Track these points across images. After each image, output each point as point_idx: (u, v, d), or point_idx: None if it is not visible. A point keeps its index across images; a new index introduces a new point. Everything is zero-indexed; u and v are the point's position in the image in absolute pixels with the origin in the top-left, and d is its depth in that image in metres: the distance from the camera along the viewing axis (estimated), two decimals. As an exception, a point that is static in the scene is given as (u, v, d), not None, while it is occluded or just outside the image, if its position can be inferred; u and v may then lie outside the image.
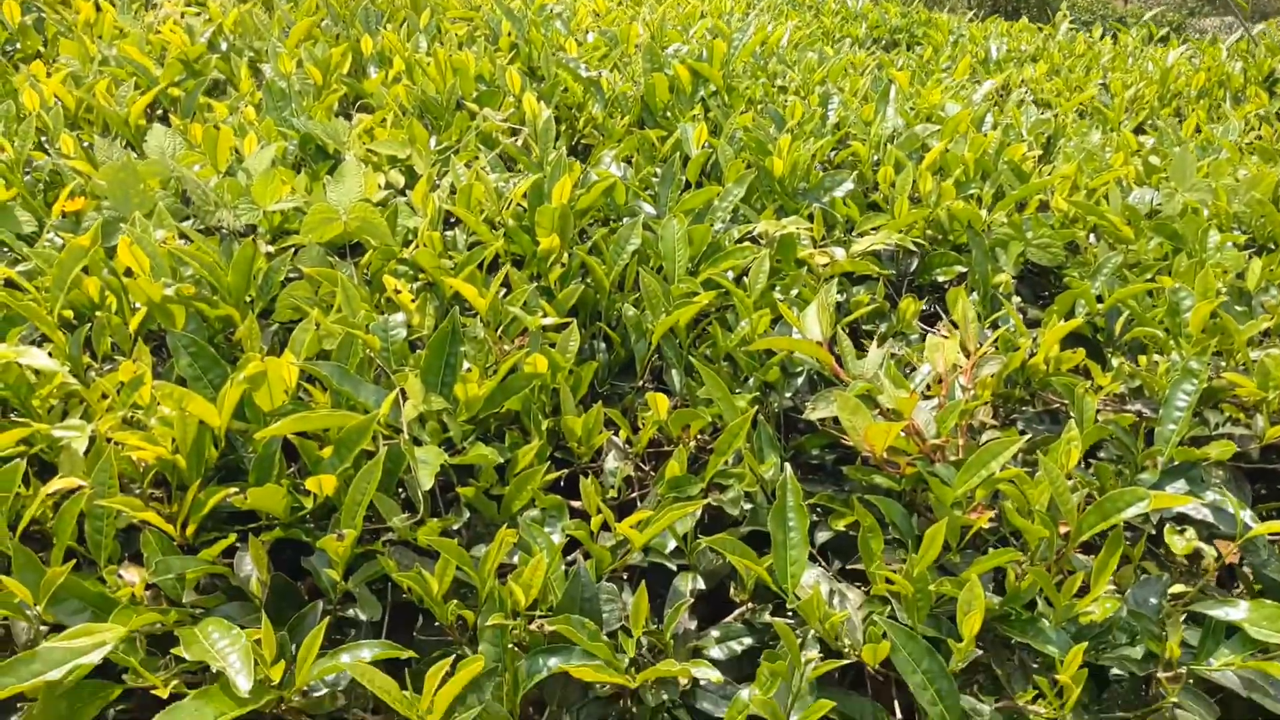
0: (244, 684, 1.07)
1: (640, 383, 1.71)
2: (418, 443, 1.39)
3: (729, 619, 1.37)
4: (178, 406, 1.32)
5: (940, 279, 2.12)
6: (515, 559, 1.31)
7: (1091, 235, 2.29)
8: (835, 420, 1.56)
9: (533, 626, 1.23)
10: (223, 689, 1.09)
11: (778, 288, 1.80)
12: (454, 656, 1.11)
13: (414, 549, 1.32)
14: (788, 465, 1.32)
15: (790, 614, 1.35)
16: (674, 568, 1.37)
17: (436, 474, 1.24)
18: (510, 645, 1.19)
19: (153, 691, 1.09)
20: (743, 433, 1.40)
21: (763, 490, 1.47)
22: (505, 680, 1.17)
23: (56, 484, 1.35)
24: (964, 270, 2.08)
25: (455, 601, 1.23)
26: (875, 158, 2.49)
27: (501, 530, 1.21)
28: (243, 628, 1.23)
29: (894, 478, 1.44)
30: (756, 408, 1.50)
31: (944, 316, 1.99)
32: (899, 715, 1.36)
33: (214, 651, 1.11)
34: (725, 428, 1.47)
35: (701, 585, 1.37)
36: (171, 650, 1.16)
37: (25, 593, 1.16)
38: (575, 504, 1.51)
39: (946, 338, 1.55)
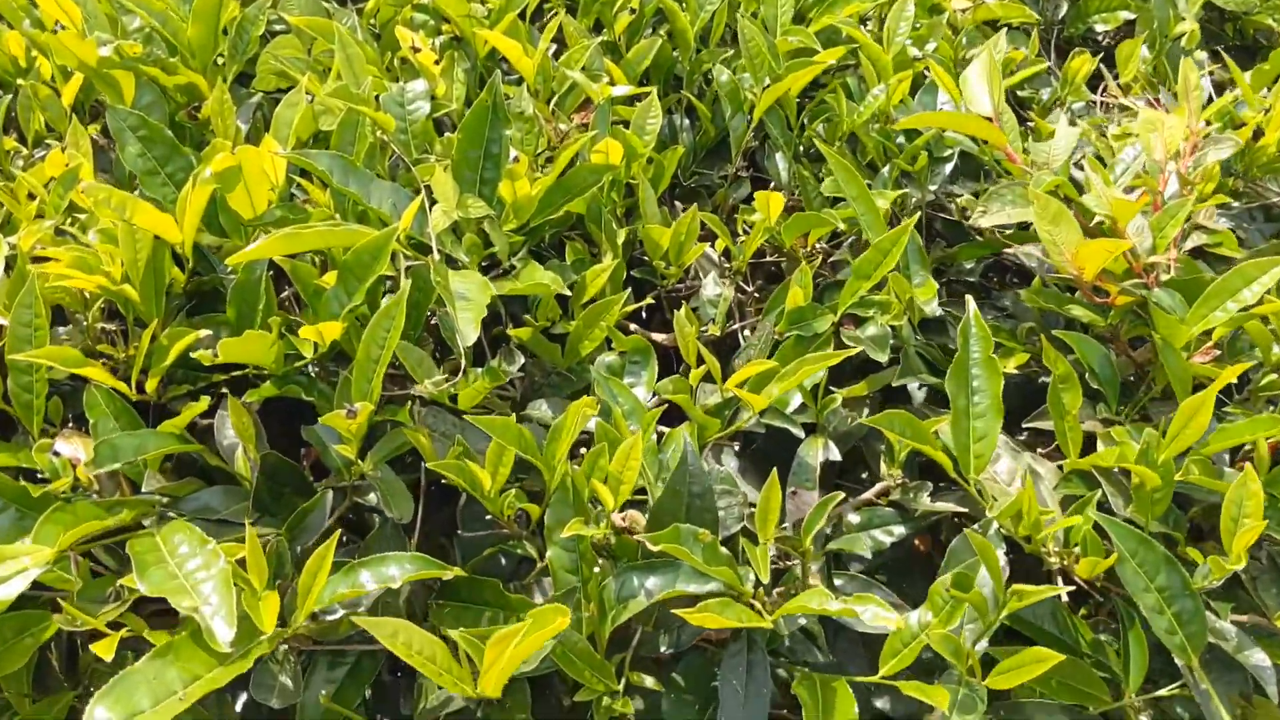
0: (224, 633, 0.74)
1: (734, 169, 1.32)
2: (452, 263, 1.02)
3: (869, 496, 1.03)
4: (121, 217, 0.95)
5: (1099, 28, 1.67)
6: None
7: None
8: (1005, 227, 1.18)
9: (620, 519, 0.90)
10: (193, 638, 0.77)
11: (911, 42, 1.38)
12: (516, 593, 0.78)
13: (452, 411, 0.98)
14: (970, 300, 0.95)
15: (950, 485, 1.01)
16: (798, 432, 1.03)
17: (483, 315, 0.88)
18: (591, 554, 0.86)
19: (92, 648, 0.76)
20: (898, 249, 1.02)
21: (910, 324, 1.10)
22: (588, 609, 0.85)
23: (-36, 323, 1.00)
24: (1131, 17, 1.63)
25: (515, 491, 0.89)
26: None
27: (580, 403, 0.86)
28: (225, 525, 0.92)
29: (1098, 309, 1.07)
30: (918, 214, 1.11)
31: (1110, 78, 1.55)
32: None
33: (181, 579, 0.78)
34: (859, 236, 1.09)
35: (835, 455, 1.02)
36: (121, 580, 0.83)
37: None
38: (657, 337, 1.15)
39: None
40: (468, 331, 0.85)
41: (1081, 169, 1.14)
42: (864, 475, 1.09)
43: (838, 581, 0.97)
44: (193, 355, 0.91)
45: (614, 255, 1.07)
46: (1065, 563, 0.91)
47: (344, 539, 0.99)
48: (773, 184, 1.30)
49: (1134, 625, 0.92)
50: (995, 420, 0.91)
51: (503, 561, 0.99)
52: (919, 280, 1.09)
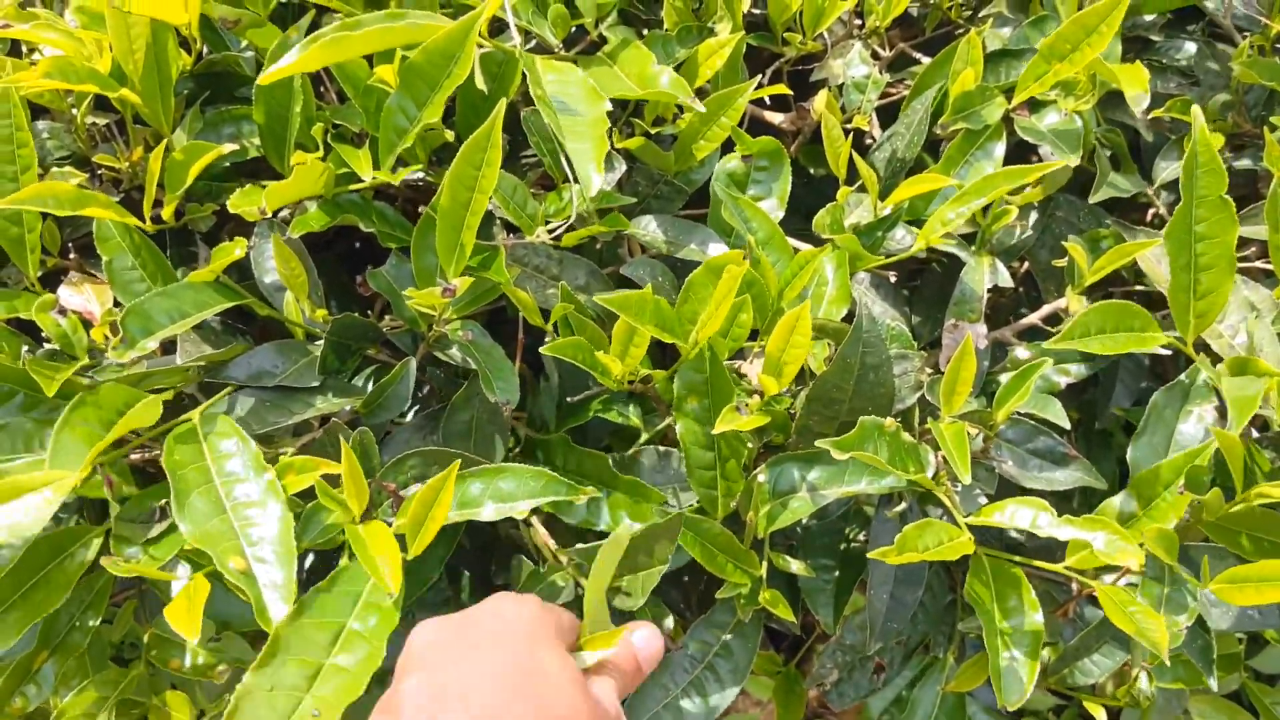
0: (277, 610, 0.58)
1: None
2: (541, 51, 0.80)
3: (1035, 320, 0.87)
4: (110, 1, 0.72)
5: None
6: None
7: None
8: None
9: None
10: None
11: None
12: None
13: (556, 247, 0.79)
14: (1197, 113, 0.74)
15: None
16: (967, 257, 0.84)
17: (605, 150, 0.67)
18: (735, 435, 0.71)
19: (168, 618, 0.61)
20: (1111, 26, 0.79)
21: (1095, 109, 0.89)
22: (726, 493, 0.70)
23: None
24: None
25: (639, 359, 0.73)
26: None
27: (731, 264, 0.66)
28: (286, 393, 0.75)
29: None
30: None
31: None
32: None
33: (230, 515, 0.61)
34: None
35: (1005, 279, 0.85)
36: (151, 497, 0.67)
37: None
38: (773, 118, 0.95)
39: None
40: (590, 177, 0.65)
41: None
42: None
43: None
44: (234, 211, 0.71)
45: (734, 25, 0.84)
46: (1298, 429, 0.76)
47: (419, 393, 0.84)
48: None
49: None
50: (1226, 275, 0.73)
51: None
52: (1116, 55, 0.87)
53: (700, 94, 0.84)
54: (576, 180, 0.67)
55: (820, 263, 0.77)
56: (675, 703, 0.77)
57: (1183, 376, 0.79)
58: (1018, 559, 0.72)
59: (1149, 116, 0.92)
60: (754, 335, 0.75)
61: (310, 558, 0.86)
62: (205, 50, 0.85)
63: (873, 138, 0.91)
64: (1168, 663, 0.64)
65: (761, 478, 0.70)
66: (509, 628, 0.57)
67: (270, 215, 0.72)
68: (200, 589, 0.62)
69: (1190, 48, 0.99)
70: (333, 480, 0.65)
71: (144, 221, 0.76)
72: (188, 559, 0.68)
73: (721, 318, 0.65)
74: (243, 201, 0.70)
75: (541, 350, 0.68)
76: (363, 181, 0.75)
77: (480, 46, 0.75)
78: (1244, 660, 1.02)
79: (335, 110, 0.82)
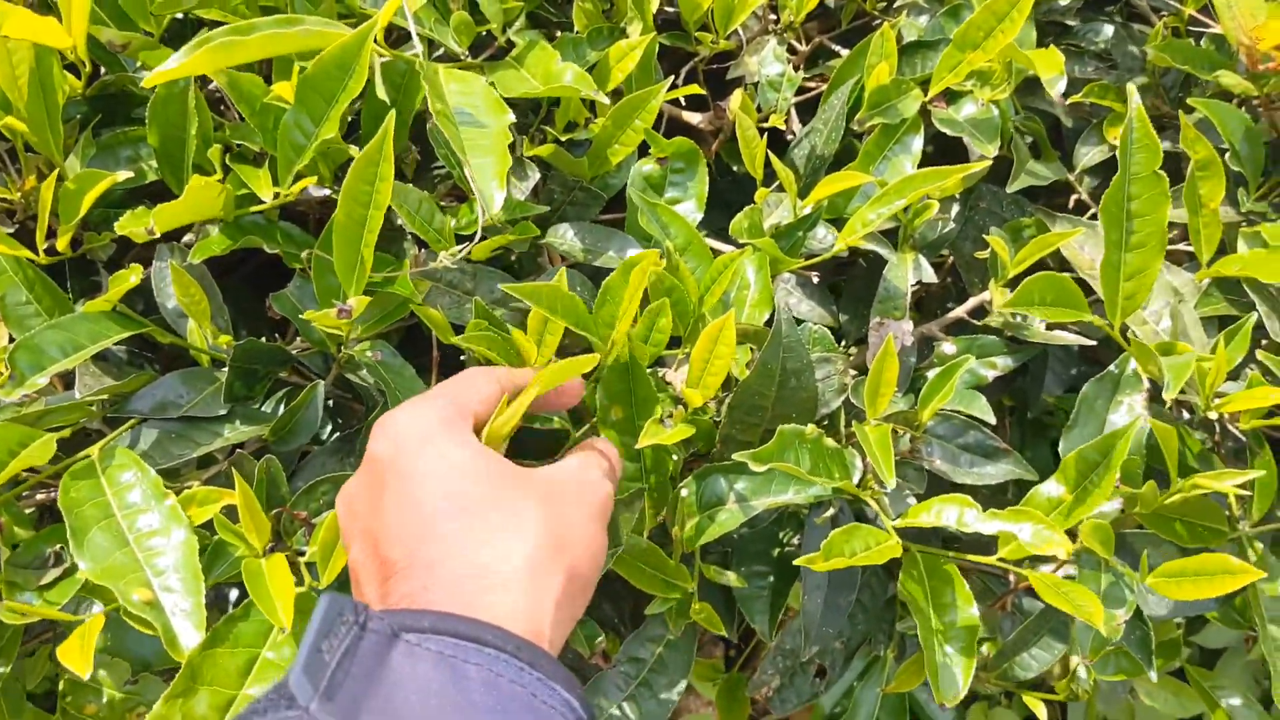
0: (189, 638, 0.57)
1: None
2: (448, 59, 0.78)
3: (961, 314, 0.86)
4: (-20, 24, 0.68)
5: None
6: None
7: None
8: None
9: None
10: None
11: None
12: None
13: (469, 261, 0.77)
14: (1133, 92, 0.73)
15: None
16: (889, 255, 0.83)
17: (508, 165, 0.65)
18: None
19: (61, 659, 0.58)
20: (1021, 11, 0.78)
21: (1012, 97, 0.88)
22: (653, 508, 0.69)
23: None
24: None
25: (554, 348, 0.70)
26: None
27: (645, 261, 0.65)
28: (192, 423, 0.72)
29: (1254, 77, 0.86)
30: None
31: None
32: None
33: (133, 547, 0.59)
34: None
35: (929, 274, 0.84)
36: (45, 540, 0.65)
37: None
38: (690, 118, 0.93)
39: None
40: (492, 193, 0.62)
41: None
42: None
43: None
44: (122, 233, 0.68)
45: (644, 26, 0.83)
46: (1223, 412, 0.75)
47: (333, 416, 0.82)
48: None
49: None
50: (1155, 254, 0.72)
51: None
52: (1031, 41, 0.87)
53: (615, 97, 0.82)
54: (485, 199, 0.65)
55: (741, 266, 0.75)
56: (611, 721, 0.75)
57: (1112, 367, 0.78)
58: (951, 554, 0.71)
59: (1068, 102, 0.91)
60: (676, 342, 0.73)
61: (234, 592, 0.83)
62: (103, 71, 0.81)
63: (793, 133, 0.90)
64: (1111, 638, 0.63)
65: (685, 491, 0.69)
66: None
67: (160, 237, 0.69)
68: (94, 626, 0.59)
69: (1108, 31, 0.99)
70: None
71: (37, 254, 0.72)
72: (100, 598, 0.66)
73: (633, 313, 0.64)
74: (131, 223, 0.67)
75: (448, 341, 0.66)
76: (264, 202, 0.72)
77: (380, 57, 0.73)
78: (1185, 638, 1.02)
79: (235, 129, 0.79)
